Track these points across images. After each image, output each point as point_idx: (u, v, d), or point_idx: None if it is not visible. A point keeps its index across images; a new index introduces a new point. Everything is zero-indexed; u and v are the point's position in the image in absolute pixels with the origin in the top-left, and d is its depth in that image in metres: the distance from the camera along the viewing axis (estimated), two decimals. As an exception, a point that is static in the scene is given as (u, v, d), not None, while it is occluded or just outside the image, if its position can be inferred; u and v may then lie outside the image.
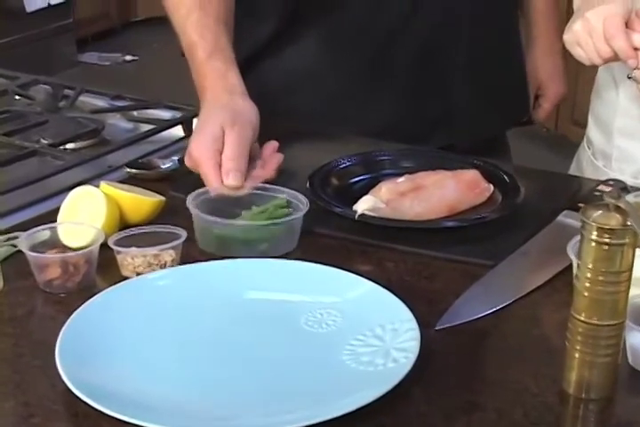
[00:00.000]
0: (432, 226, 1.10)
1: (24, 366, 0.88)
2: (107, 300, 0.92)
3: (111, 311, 0.91)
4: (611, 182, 1.17)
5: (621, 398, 0.84)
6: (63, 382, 0.82)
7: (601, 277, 0.80)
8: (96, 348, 0.86)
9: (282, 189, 1.11)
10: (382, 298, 0.93)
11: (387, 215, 1.10)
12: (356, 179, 1.21)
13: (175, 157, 1.25)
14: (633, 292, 0.83)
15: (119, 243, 1.01)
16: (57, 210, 1.08)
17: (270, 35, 1.41)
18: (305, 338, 0.90)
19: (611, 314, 0.81)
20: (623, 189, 1.14)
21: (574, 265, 0.96)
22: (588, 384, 0.83)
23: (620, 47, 1.09)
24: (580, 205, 1.11)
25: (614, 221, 0.78)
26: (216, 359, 0.87)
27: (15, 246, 1.04)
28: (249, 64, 1.42)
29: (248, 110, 1.19)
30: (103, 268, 1.02)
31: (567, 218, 1.12)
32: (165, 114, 1.42)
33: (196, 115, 1.38)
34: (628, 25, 1.10)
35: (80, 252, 0.99)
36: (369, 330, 0.89)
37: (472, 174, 1.17)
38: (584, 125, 1.45)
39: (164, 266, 1.00)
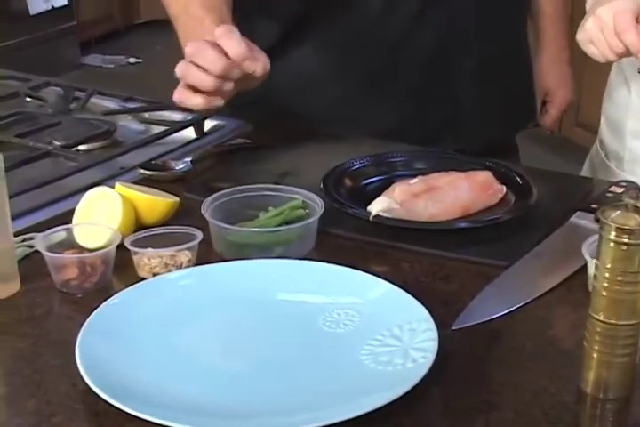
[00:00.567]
0: (446, 227, 1.10)
1: (44, 365, 0.88)
2: (127, 299, 0.93)
3: (131, 310, 0.91)
4: (623, 184, 1.18)
5: (639, 398, 0.85)
6: (83, 381, 0.82)
7: (619, 277, 0.80)
8: (116, 347, 0.87)
9: (298, 190, 1.11)
10: (399, 298, 0.93)
11: (401, 216, 1.11)
12: (370, 180, 1.22)
13: (188, 159, 1.26)
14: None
15: (135, 244, 1.02)
16: (71, 211, 1.09)
17: (278, 37, 1.42)
18: (323, 338, 0.91)
19: (629, 314, 0.81)
20: (636, 190, 1.15)
21: (589, 266, 0.97)
22: (606, 384, 0.84)
23: (631, 41, 1.11)
24: (593, 206, 1.12)
25: (633, 221, 0.79)
26: (235, 359, 0.88)
27: (31, 247, 1.05)
28: None
29: None
30: (119, 269, 1.02)
31: (580, 219, 1.12)
32: (177, 116, 1.43)
33: (207, 117, 1.40)
34: (638, 20, 1.12)
35: (97, 252, 1.00)
36: (387, 330, 0.90)
37: (485, 176, 1.18)
38: (588, 128, 1.46)
39: (180, 267, 1.01)
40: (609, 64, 1.32)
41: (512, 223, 1.11)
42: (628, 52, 1.12)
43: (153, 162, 1.26)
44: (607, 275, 0.81)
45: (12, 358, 0.90)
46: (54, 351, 0.90)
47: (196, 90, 1.19)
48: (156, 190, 1.13)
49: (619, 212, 0.80)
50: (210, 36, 1.20)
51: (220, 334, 0.91)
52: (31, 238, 1.06)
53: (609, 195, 1.16)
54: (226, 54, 1.16)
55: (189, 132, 1.37)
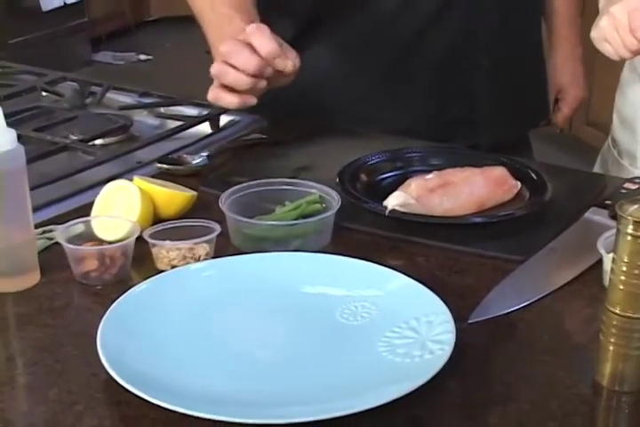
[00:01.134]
0: (462, 222, 1.11)
1: (65, 355, 0.90)
2: (148, 290, 0.94)
3: (152, 301, 0.92)
4: (637, 180, 1.19)
5: (654, 391, 0.86)
6: (104, 370, 0.84)
7: (636, 271, 0.81)
8: (137, 336, 0.88)
9: (314, 184, 1.12)
10: (416, 291, 0.94)
11: (416, 211, 1.12)
12: (385, 175, 1.23)
13: (204, 153, 1.27)
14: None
15: (154, 236, 1.03)
16: (89, 204, 1.10)
17: (292, 35, 1.43)
18: (341, 330, 0.92)
19: (645, 307, 0.82)
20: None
21: (604, 261, 0.98)
22: (622, 377, 0.85)
23: None
24: (607, 202, 1.13)
25: (650, 215, 0.79)
26: (254, 350, 0.89)
27: (51, 239, 1.06)
28: None
29: None
30: (138, 261, 1.03)
31: (594, 215, 1.13)
32: (192, 111, 1.44)
33: (223, 112, 1.41)
34: None
35: (117, 244, 1.01)
36: (404, 322, 0.91)
37: (500, 171, 1.18)
38: (598, 127, 1.47)
39: (198, 259, 1.02)
40: (619, 63, 1.33)
41: (527, 219, 1.12)
42: None
43: (170, 156, 1.27)
44: (624, 268, 0.82)
45: (33, 348, 0.91)
46: (75, 342, 0.91)
47: (230, 89, 1.21)
48: (173, 184, 1.14)
49: (636, 206, 0.81)
50: (240, 34, 1.21)
51: (239, 325, 0.93)
52: (51, 231, 1.07)
53: (623, 191, 1.17)
54: (258, 52, 1.18)
55: (205, 127, 1.38)
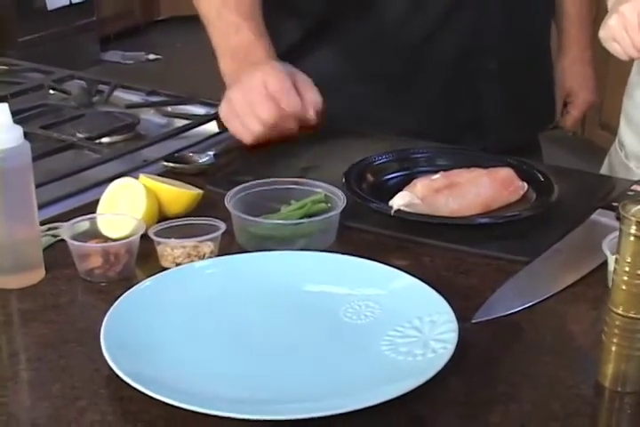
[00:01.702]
0: (468, 222, 1.13)
1: (69, 351, 0.91)
2: (152, 286, 0.96)
3: (156, 298, 0.94)
4: (645, 182, 1.20)
5: (657, 392, 0.87)
6: (108, 367, 0.85)
7: (639, 271, 0.82)
8: (141, 333, 0.90)
9: (320, 184, 1.14)
10: (420, 291, 0.96)
11: (422, 211, 1.13)
12: (391, 175, 1.24)
13: (211, 152, 1.29)
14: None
15: (159, 234, 1.05)
16: (94, 202, 1.12)
17: (301, 36, 1.44)
18: (344, 329, 0.93)
19: (648, 308, 0.83)
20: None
21: (609, 262, 0.99)
22: (625, 377, 0.86)
23: None
24: (614, 204, 1.14)
25: (653, 215, 0.81)
26: (257, 347, 0.91)
27: (56, 236, 1.08)
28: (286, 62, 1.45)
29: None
30: (142, 259, 1.05)
31: (601, 217, 1.14)
32: (199, 110, 1.46)
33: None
34: None
35: (121, 242, 1.03)
36: (407, 322, 0.92)
37: (506, 172, 1.20)
38: (611, 130, 1.47)
39: (202, 257, 1.03)
40: (632, 65, 1.34)
41: (533, 220, 1.13)
42: None
43: (176, 155, 1.29)
44: (627, 269, 0.83)
45: (37, 344, 0.93)
46: (79, 338, 0.93)
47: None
48: (179, 182, 1.15)
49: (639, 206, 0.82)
50: (248, 43, 1.28)
51: (243, 323, 0.94)
52: (56, 228, 1.09)
53: (630, 193, 1.18)
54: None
55: (212, 126, 1.40)
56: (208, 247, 1.04)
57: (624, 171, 1.40)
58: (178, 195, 1.12)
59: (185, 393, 0.81)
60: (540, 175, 1.21)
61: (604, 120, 3.25)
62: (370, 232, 1.12)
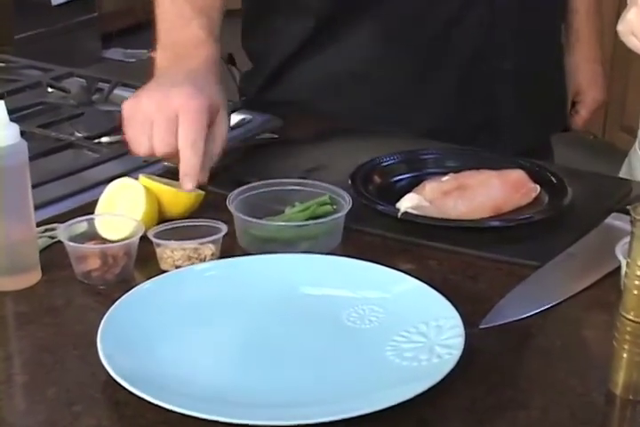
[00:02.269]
0: (477, 225, 1.14)
1: (65, 355, 0.93)
2: (150, 290, 0.97)
3: (154, 301, 0.96)
4: (663, 185, 1.21)
5: (670, 400, 0.88)
6: (104, 371, 0.87)
7: (651, 275, 0.83)
8: (138, 337, 0.91)
9: (325, 185, 1.15)
10: (426, 295, 0.97)
11: (430, 214, 1.14)
12: (399, 177, 1.25)
13: (214, 152, 1.30)
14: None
15: (159, 236, 1.06)
16: (93, 203, 1.13)
17: (311, 33, 1.46)
18: (347, 333, 0.95)
19: (660, 313, 0.85)
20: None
21: (622, 266, 1.00)
22: (636, 386, 0.87)
23: None
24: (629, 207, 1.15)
25: (665, 218, 0.82)
26: (258, 351, 0.92)
27: (53, 238, 1.10)
28: (289, 62, 1.47)
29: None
30: (141, 261, 1.06)
31: (616, 220, 1.15)
32: (202, 109, 1.47)
33: (234, 110, 1.44)
34: None
35: (120, 243, 1.04)
36: (412, 327, 0.94)
37: (518, 174, 1.21)
38: (634, 132, 1.48)
39: (203, 260, 1.05)
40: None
41: (545, 223, 1.14)
42: None
43: (177, 155, 1.30)
44: (638, 273, 0.84)
45: (33, 347, 0.95)
46: (75, 341, 0.94)
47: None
48: (179, 183, 1.17)
49: (652, 208, 0.83)
50: (192, 41, 1.25)
51: (244, 327, 0.96)
52: (53, 229, 1.10)
53: (646, 196, 1.19)
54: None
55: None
56: (209, 250, 1.06)
57: (643, 173, 1.41)
58: (178, 196, 1.14)
59: (183, 398, 0.83)
60: (552, 177, 1.23)
61: (625, 123, 3.26)
62: (376, 235, 1.14)
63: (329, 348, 0.93)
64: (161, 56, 1.29)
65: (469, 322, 0.94)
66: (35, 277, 1.04)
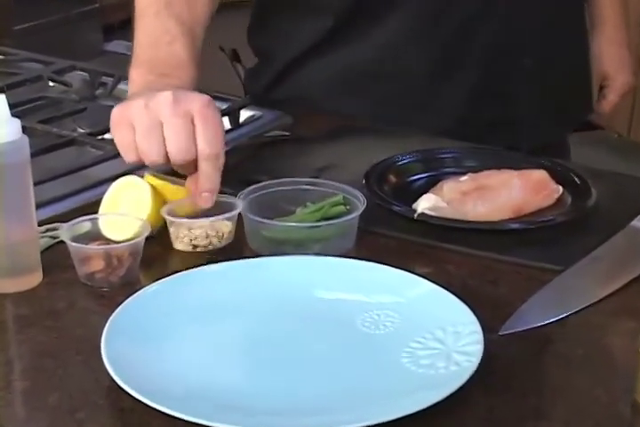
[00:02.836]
0: (497, 227, 1.14)
1: (67, 360, 0.93)
2: (156, 293, 0.98)
3: (160, 305, 0.96)
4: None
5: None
6: (108, 376, 0.87)
7: (679, 280, 0.84)
8: (143, 342, 0.92)
9: (338, 185, 1.16)
10: (443, 300, 0.97)
11: (448, 215, 1.15)
12: (416, 177, 1.26)
13: (222, 150, 1.31)
14: None
15: (170, 214, 1.08)
16: (96, 202, 1.14)
17: (326, 32, 1.46)
18: (362, 339, 0.95)
19: (688, 320, 0.85)
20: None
21: (649, 271, 1.01)
22: (663, 396, 0.87)
23: None
24: (657, 209, 1.15)
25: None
26: (268, 357, 0.93)
27: (54, 238, 1.10)
28: (300, 60, 1.48)
29: None
30: (147, 262, 1.07)
31: (643, 223, 1.16)
32: (210, 104, 1.47)
33: (242, 107, 1.45)
34: None
35: (125, 244, 1.05)
36: (429, 332, 0.94)
37: (540, 174, 1.21)
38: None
39: (221, 238, 1.07)
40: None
41: (568, 226, 1.15)
42: None
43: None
44: (666, 278, 0.84)
45: (34, 351, 0.95)
46: (78, 346, 0.95)
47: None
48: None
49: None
50: (174, 61, 1.24)
51: (253, 332, 0.96)
52: (55, 229, 1.11)
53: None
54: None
55: (224, 123, 1.41)
56: (226, 227, 1.07)
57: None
58: (185, 195, 1.14)
59: (189, 405, 0.84)
60: (576, 178, 1.23)
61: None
62: (391, 237, 1.14)
63: (342, 354, 0.93)
64: (138, 72, 1.27)
65: (488, 328, 0.94)
66: (36, 278, 1.05)
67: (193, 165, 1.10)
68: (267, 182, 1.16)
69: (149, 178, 1.14)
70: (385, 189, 1.21)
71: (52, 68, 1.60)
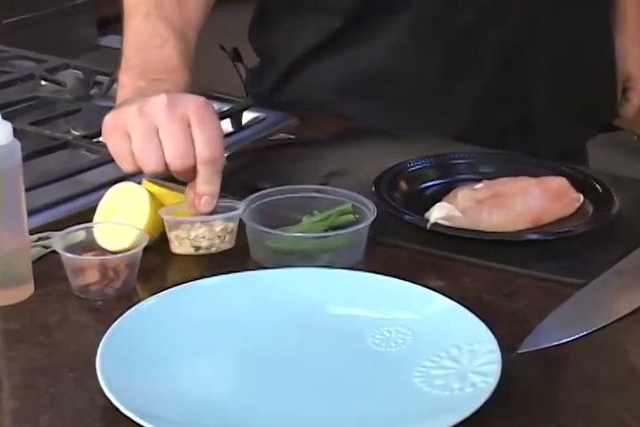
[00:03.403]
0: (515, 238, 1.14)
1: (59, 378, 0.92)
2: (155, 306, 0.97)
3: (160, 320, 0.95)
4: None
5: None
6: (103, 396, 0.86)
7: None
8: (142, 359, 0.91)
9: (347, 192, 1.15)
10: (457, 316, 0.97)
11: (462, 225, 1.14)
12: (428, 184, 1.25)
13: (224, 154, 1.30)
14: None
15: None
16: (91, 209, 1.13)
17: (337, 31, 1.46)
18: (371, 357, 0.94)
19: None
20: None
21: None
22: (693, 419, 0.86)
23: None
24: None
25: None
26: (274, 377, 0.92)
27: (46, 247, 1.10)
28: (306, 61, 1.48)
29: None
30: (144, 275, 1.06)
31: (669, 234, 1.15)
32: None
33: (245, 108, 1.44)
34: None
35: (121, 255, 1.04)
36: (443, 351, 0.93)
37: (559, 182, 1.21)
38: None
39: (224, 239, 1.07)
40: None
41: (590, 236, 1.14)
42: None
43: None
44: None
45: (24, 369, 0.94)
46: (71, 363, 0.94)
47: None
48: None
49: None
50: (165, 65, 1.23)
51: (256, 350, 0.95)
52: (47, 238, 1.10)
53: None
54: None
55: (226, 125, 1.41)
56: (228, 227, 1.08)
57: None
58: (184, 201, 1.14)
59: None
60: (597, 185, 1.22)
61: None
62: (403, 248, 1.13)
63: (349, 373, 0.93)
64: (128, 77, 1.25)
65: (506, 346, 0.94)
66: (27, 291, 1.04)
67: (193, 172, 1.10)
68: (271, 189, 1.16)
69: (147, 184, 1.14)
70: (396, 197, 1.20)
71: (45, 66, 1.60)
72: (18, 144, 1.01)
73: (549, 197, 1.19)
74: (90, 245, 1.08)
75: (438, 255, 1.12)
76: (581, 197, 1.20)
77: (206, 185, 1.10)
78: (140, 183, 1.14)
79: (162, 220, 1.11)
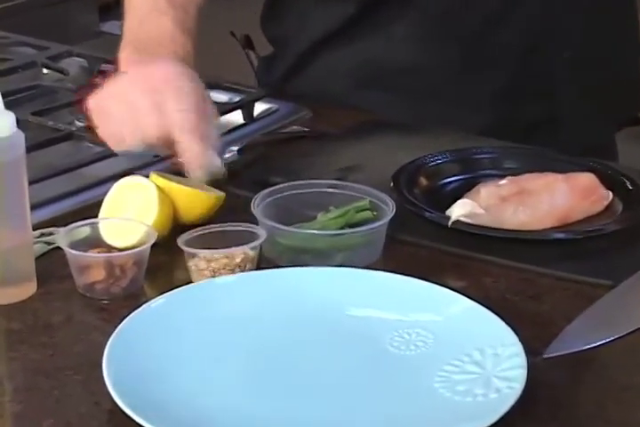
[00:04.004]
0: (540, 237, 1.14)
1: (63, 380, 0.93)
2: (165, 306, 0.97)
3: (169, 320, 0.96)
4: None
5: None
6: (110, 399, 0.87)
7: None
8: (149, 360, 0.91)
9: (364, 188, 1.15)
10: (480, 318, 0.97)
11: (485, 223, 1.14)
12: (450, 179, 1.26)
13: (234, 148, 1.30)
14: None
15: (190, 244, 1.06)
16: (96, 203, 1.14)
17: (351, 19, 1.46)
18: (390, 361, 0.95)
19: None
20: None
21: None
22: None
23: None
24: None
25: None
26: (287, 381, 0.92)
27: (50, 244, 1.10)
28: (319, 50, 1.48)
29: None
30: (152, 273, 1.07)
31: (702, 233, 1.15)
32: (221, 96, 1.47)
33: (257, 99, 1.44)
34: None
35: (129, 252, 1.04)
36: (466, 355, 0.93)
37: (588, 178, 1.21)
38: None
39: (244, 268, 1.05)
40: None
41: (619, 235, 1.14)
42: None
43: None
44: None
45: (26, 371, 0.95)
46: (76, 365, 0.95)
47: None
48: (197, 183, 1.17)
49: None
50: (165, 35, 1.25)
51: (270, 352, 0.96)
52: (51, 233, 1.11)
53: None
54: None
55: (236, 117, 1.41)
56: (249, 256, 1.06)
57: None
58: (196, 197, 1.14)
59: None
60: (627, 182, 1.22)
61: None
62: (422, 247, 1.14)
63: (367, 377, 0.93)
64: (126, 52, 1.26)
65: (531, 350, 0.94)
66: (29, 289, 1.05)
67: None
68: (284, 184, 1.16)
69: (156, 178, 1.14)
70: (415, 193, 1.20)
71: (47, 54, 1.60)
72: (22, 136, 1.01)
73: (577, 194, 1.19)
74: (95, 242, 1.08)
75: (459, 254, 1.12)
76: (610, 194, 1.21)
77: (186, 153, 1.13)
78: (147, 177, 1.14)
79: (171, 215, 1.12)
